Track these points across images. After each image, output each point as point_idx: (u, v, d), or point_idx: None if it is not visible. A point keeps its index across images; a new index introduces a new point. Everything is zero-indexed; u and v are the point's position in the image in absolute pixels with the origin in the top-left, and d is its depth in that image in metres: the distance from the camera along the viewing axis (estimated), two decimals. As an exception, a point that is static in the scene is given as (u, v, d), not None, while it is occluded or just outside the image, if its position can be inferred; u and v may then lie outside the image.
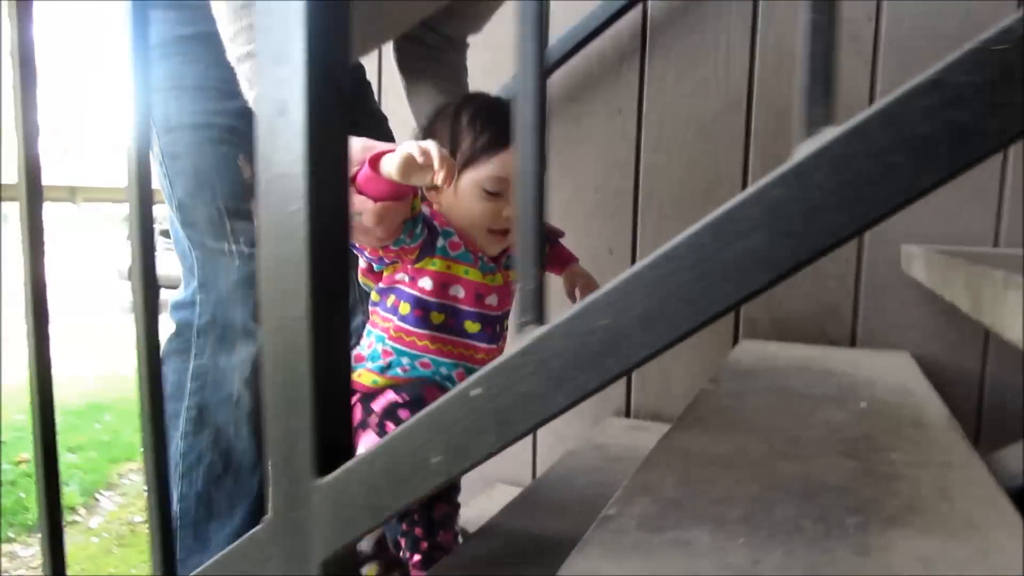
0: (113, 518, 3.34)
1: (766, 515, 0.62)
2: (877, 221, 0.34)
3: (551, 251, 1.07)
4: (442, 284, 0.89)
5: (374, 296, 0.93)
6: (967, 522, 0.61)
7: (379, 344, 0.90)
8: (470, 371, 0.90)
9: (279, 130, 0.45)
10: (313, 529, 0.48)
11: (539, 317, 0.41)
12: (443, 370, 0.90)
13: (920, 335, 1.34)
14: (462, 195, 0.90)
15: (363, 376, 0.91)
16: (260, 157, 0.46)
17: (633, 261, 1.55)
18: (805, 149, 0.34)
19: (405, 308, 0.89)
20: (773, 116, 1.42)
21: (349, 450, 0.49)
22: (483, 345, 0.92)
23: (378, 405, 0.89)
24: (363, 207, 0.78)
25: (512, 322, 0.92)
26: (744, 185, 1.45)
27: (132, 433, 4.31)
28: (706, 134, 1.47)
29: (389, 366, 0.89)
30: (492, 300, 0.91)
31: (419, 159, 0.73)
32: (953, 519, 0.62)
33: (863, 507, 0.64)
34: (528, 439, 1.65)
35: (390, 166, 0.73)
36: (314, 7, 0.44)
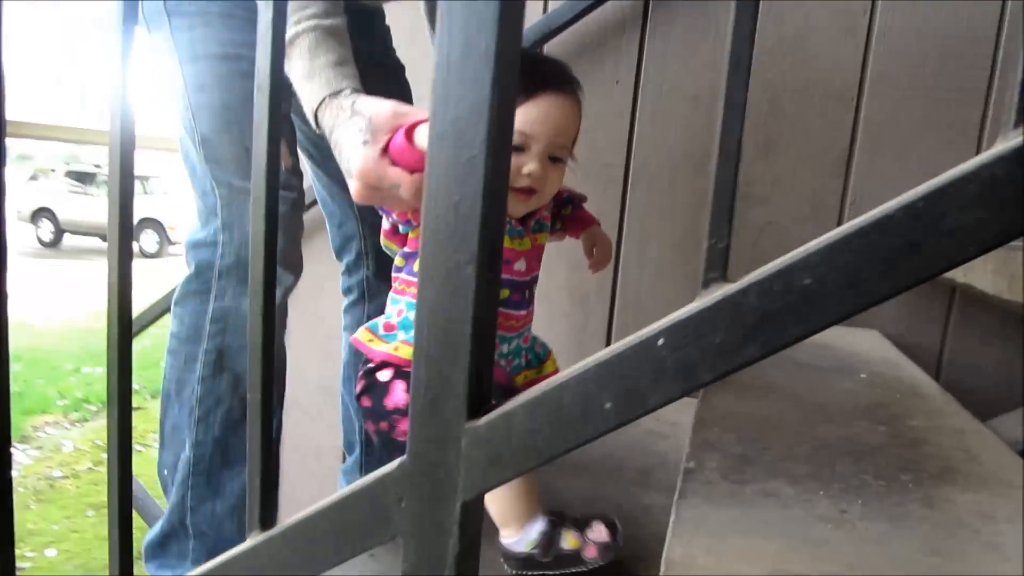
0: (29, 472, 3.16)
1: (829, 471, 0.67)
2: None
3: (573, 214, 1.08)
4: None
5: (398, 261, 0.91)
6: (1000, 481, 0.68)
7: (409, 311, 0.88)
8: (503, 338, 0.90)
9: (461, 73, 0.45)
10: (458, 471, 0.48)
11: (724, 274, 0.43)
12: None
13: (886, 315, 1.44)
14: None
15: (401, 349, 0.86)
16: (434, 100, 0.46)
17: (620, 229, 1.59)
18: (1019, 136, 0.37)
19: None
20: (767, 99, 1.48)
21: (491, 396, 0.50)
22: (512, 311, 0.90)
23: None
24: (399, 179, 0.73)
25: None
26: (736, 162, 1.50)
27: (45, 384, 4.08)
28: (700, 110, 1.51)
29: None
30: (520, 265, 0.90)
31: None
32: (988, 478, 0.68)
33: (908, 466, 0.69)
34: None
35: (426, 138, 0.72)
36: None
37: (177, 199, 10.53)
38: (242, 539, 1.03)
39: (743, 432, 0.75)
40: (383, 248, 0.92)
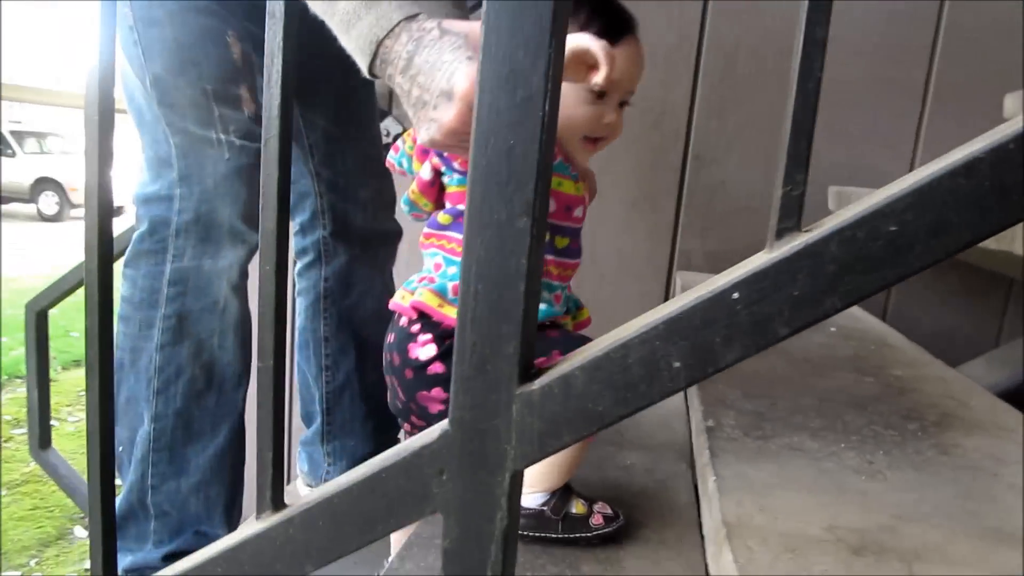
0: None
1: (841, 423, 0.67)
2: None
3: None
4: None
5: (443, 218, 0.83)
6: (996, 424, 0.70)
7: None
8: (560, 287, 0.86)
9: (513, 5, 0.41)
10: (510, 440, 0.45)
11: (799, 223, 0.41)
12: (545, 295, 0.82)
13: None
14: (563, 96, 0.82)
15: None
16: (485, 32, 0.41)
17: (578, 188, 1.56)
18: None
19: None
20: (722, 58, 1.47)
21: (533, 360, 0.46)
22: (570, 261, 0.86)
23: None
24: None
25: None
26: (690, 121, 1.50)
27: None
28: (656, 67, 1.49)
29: None
30: (579, 212, 0.86)
31: (598, 53, 0.65)
32: (982, 422, 0.70)
33: (910, 415, 0.71)
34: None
35: None
36: None
37: (80, 158, 9.80)
38: (208, 518, 0.97)
39: (747, 388, 0.75)
40: (404, 205, 0.84)
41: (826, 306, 0.40)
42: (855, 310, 1.21)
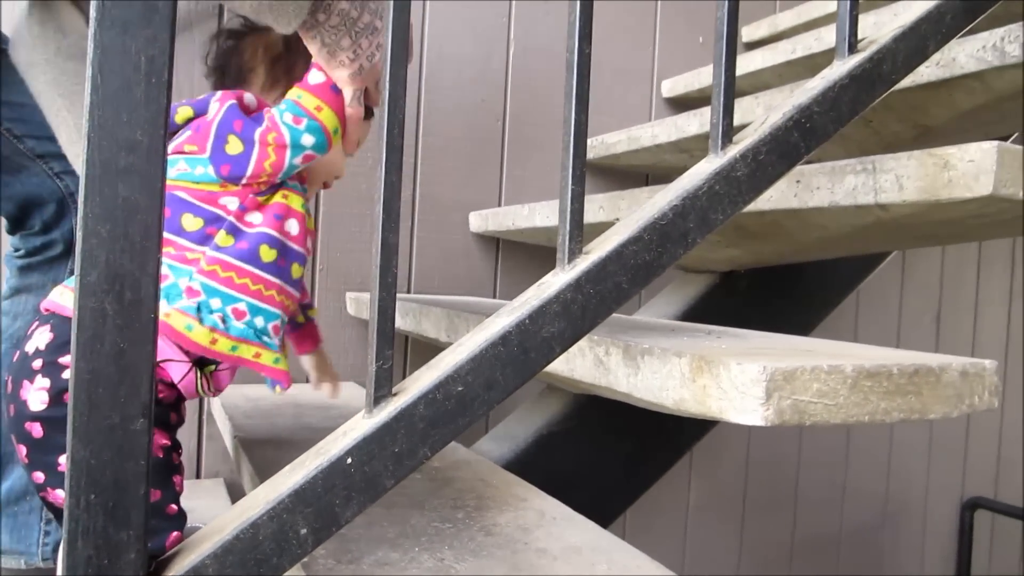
0: None
1: (410, 527, 0.78)
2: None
3: (308, 326, 1.01)
4: (275, 215, 0.74)
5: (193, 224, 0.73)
6: (514, 496, 0.89)
7: (183, 279, 0.69)
8: (277, 315, 0.77)
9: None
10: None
11: (391, 389, 0.50)
12: (259, 322, 0.73)
13: (359, 366, 1.65)
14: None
15: (172, 317, 0.67)
16: (84, 238, 0.41)
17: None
18: (575, 268, 0.55)
19: (227, 239, 0.70)
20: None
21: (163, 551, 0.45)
22: (297, 293, 0.79)
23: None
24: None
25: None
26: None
27: None
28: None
29: (199, 309, 0.69)
30: (310, 243, 0.80)
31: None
32: (505, 497, 0.89)
33: (456, 504, 0.86)
34: None
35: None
36: None
37: None
38: None
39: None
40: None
41: (420, 456, 0.50)
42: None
